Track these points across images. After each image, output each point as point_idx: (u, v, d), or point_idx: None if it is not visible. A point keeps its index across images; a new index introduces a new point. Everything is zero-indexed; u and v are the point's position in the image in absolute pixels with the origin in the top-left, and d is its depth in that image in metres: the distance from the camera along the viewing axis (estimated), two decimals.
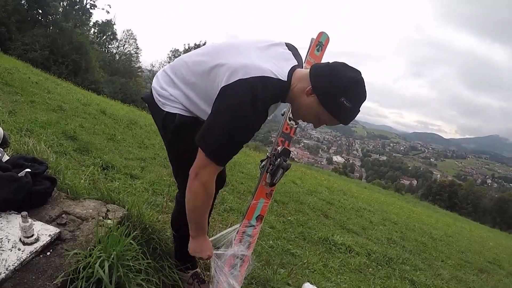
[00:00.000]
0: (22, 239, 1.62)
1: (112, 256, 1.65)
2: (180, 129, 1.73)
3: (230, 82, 1.50)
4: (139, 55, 50.10)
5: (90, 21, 42.64)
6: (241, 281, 2.13)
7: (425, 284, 4.20)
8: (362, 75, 1.53)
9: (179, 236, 2.07)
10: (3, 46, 24.03)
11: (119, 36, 48.00)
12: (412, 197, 35.36)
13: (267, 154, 2.34)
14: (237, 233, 2.24)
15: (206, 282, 2.22)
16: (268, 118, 1.63)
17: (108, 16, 44.27)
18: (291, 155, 2.29)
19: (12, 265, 1.50)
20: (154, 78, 1.86)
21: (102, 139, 5.67)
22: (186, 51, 42.54)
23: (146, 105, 1.88)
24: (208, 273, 2.35)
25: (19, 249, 1.59)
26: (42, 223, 1.79)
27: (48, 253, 1.65)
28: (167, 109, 1.72)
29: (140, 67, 50.36)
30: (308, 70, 1.57)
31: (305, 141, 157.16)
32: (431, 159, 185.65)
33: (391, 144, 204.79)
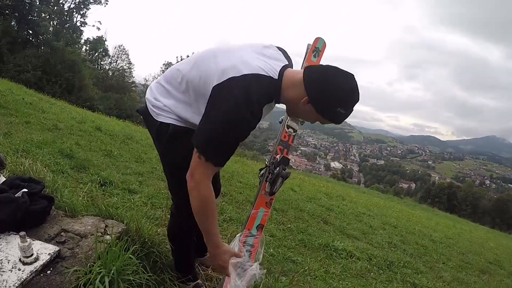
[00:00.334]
0: (22, 259, 1.63)
1: (112, 272, 1.66)
2: (174, 140, 1.74)
3: (222, 81, 1.52)
4: (132, 70, 50.08)
5: (81, 38, 42.83)
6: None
7: (427, 287, 4.20)
8: (355, 78, 1.57)
9: (177, 248, 2.07)
10: None
11: (111, 52, 48.03)
12: (411, 200, 35.32)
13: (266, 162, 2.34)
14: (237, 243, 2.23)
15: None
16: (262, 119, 1.63)
17: (99, 33, 44.18)
18: (289, 163, 2.29)
19: (13, 286, 1.51)
20: (148, 89, 1.87)
21: (98, 155, 5.66)
22: None
23: (142, 118, 1.89)
24: (208, 283, 2.35)
25: (19, 269, 1.60)
26: (41, 242, 1.79)
27: (49, 272, 1.66)
28: (161, 119, 1.73)
29: (133, 82, 50.35)
30: (302, 73, 1.59)
31: (302, 148, 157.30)
32: (428, 162, 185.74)
33: (388, 148, 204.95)
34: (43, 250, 1.71)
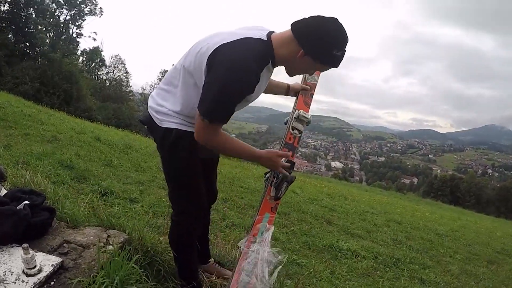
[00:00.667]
0: (25, 270, 1.62)
1: (116, 281, 1.65)
2: (177, 144, 1.76)
3: (213, 50, 1.59)
4: (129, 79, 50.34)
5: (77, 49, 43.13)
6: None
7: (435, 282, 4.17)
8: (339, 21, 1.64)
9: (179, 256, 2.06)
10: None
11: (107, 62, 48.27)
12: (414, 195, 35.32)
13: None
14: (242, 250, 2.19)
15: None
16: (264, 86, 1.77)
17: (95, 43, 44.36)
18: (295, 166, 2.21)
19: None
20: (149, 98, 1.90)
21: (98, 165, 5.65)
22: None
23: (145, 127, 1.91)
24: None
25: (22, 281, 1.59)
26: (44, 253, 1.79)
27: (52, 283, 1.65)
28: (165, 125, 1.76)
29: (131, 91, 50.43)
30: (289, 31, 1.66)
31: (302, 150, 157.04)
32: (429, 156, 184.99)
33: (388, 145, 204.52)
34: (46, 262, 1.71)
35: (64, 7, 39.85)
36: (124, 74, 49.86)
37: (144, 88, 48.65)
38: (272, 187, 2.15)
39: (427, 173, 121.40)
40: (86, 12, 41.40)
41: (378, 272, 3.99)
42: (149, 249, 2.10)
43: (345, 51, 1.65)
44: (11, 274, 1.62)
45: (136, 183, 5.05)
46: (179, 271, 2.13)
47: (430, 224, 8.66)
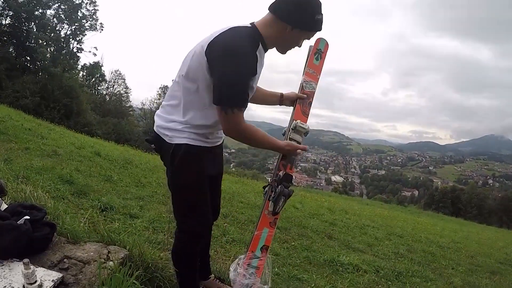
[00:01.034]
0: (26, 286, 1.62)
1: None
2: (187, 160, 1.79)
3: (207, 46, 1.68)
4: (129, 94, 50.43)
5: (78, 64, 43.31)
6: None
7: None
8: None
9: (181, 272, 2.05)
10: None
11: (107, 77, 48.41)
12: (415, 207, 35.15)
13: (269, 179, 2.28)
14: (240, 266, 2.16)
15: None
16: (260, 68, 1.82)
17: (95, 59, 44.54)
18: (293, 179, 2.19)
19: None
20: (155, 117, 1.93)
21: (98, 181, 5.65)
22: None
23: (153, 146, 1.93)
24: None
25: None
26: (44, 269, 1.78)
27: None
28: (175, 141, 1.78)
29: (131, 106, 50.56)
30: (268, 14, 1.80)
31: (302, 164, 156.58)
32: (429, 168, 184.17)
33: (388, 158, 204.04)
34: (47, 277, 1.71)
35: (65, 22, 40.19)
36: (124, 89, 50.05)
37: (144, 103, 48.97)
38: (270, 201, 2.13)
39: (428, 185, 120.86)
40: (87, 27, 41.72)
41: (380, 286, 3.95)
42: (149, 265, 2.09)
43: (322, 11, 1.79)
44: None
45: (136, 199, 5.04)
46: (180, 287, 2.12)
47: (432, 236, 8.61)
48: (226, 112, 1.67)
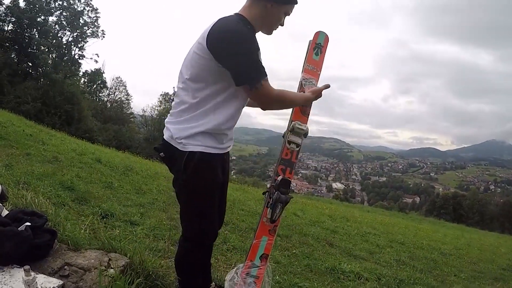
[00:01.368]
0: None
1: None
2: (200, 168, 1.79)
3: (206, 39, 1.73)
4: (130, 101, 50.56)
5: (79, 71, 43.54)
6: None
7: None
8: None
9: (184, 280, 2.04)
10: None
11: (109, 84, 48.57)
12: (417, 214, 35.02)
13: (268, 185, 2.23)
14: (238, 275, 2.13)
15: None
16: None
17: (96, 65, 44.69)
18: (291, 185, 2.14)
19: None
20: (166, 125, 1.93)
21: (99, 187, 5.64)
22: None
23: (162, 153, 1.91)
24: None
25: None
26: (45, 275, 1.78)
27: None
28: (189, 148, 1.79)
29: (132, 113, 50.66)
30: (246, 1, 1.91)
31: (302, 171, 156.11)
32: (431, 174, 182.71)
33: (389, 164, 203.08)
34: (47, 284, 1.70)
35: (67, 29, 40.55)
36: (125, 96, 50.19)
37: (145, 110, 48.95)
38: (268, 208, 2.09)
39: (429, 191, 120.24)
40: (88, 34, 42.05)
41: None
42: (150, 273, 2.09)
43: None
44: None
45: (137, 206, 5.03)
46: None
47: (434, 243, 8.56)
48: (256, 87, 1.76)
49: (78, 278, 1.84)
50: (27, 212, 2.19)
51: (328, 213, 10.55)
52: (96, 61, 44.88)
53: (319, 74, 2.30)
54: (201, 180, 1.82)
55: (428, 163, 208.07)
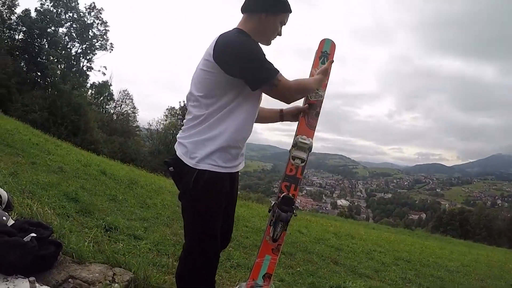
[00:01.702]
0: None
1: None
2: (210, 185, 1.80)
3: (213, 53, 1.78)
4: (136, 114, 50.84)
5: (87, 82, 44.17)
6: None
7: None
8: None
9: None
10: (3, 107, 24.66)
11: (115, 97, 48.98)
12: (423, 231, 34.60)
13: (272, 202, 2.16)
14: None
15: None
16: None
17: (104, 78, 45.19)
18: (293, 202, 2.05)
19: None
20: (178, 139, 1.94)
21: (103, 200, 5.63)
22: (182, 108, 43.30)
23: (172, 168, 1.90)
24: None
25: None
26: (48, 287, 1.76)
27: None
28: (200, 166, 1.79)
29: (137, 126, 50.87)
30: (243, 15, 1.97)
31: (307, 188, 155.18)
32: (437, 190, 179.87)
33: (395, 181, 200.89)
34: None
35: (76, 40, 41.25)
36: (132, 109, 50.50)
37: (150, 124, 49.13)
38: (271, 226, 2.06)
39: (435, 207, 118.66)
40: (97, 46, 42.72)
41: None
42: None
43: None
44: None
45: (141, 220, 5.00)
46: None
47: (440, 260, 8.46)
48: (274, 84, 1.81)
49: None
50: (33, 223, 2.20)
51: (333, 230, 10.47)
52: (104, 74, 45.42)
53: (326, 83, 2.27)
54: (209, 197, 1.83)
55: (434, 179, 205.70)
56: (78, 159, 9.77)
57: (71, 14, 40.57)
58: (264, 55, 1.83)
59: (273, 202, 2.11)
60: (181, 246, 2.01)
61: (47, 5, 38.91)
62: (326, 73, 2.20)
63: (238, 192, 2.19)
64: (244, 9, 1.97)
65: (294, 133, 2.24)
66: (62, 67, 39.25)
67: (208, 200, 1.83)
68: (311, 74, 2.27)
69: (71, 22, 40.67)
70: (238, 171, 2.02)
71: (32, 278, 1.60)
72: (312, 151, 2.19)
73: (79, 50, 42.09)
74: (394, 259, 7.19)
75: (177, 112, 46.36)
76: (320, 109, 2.24)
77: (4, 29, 36.75)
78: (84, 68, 43.06)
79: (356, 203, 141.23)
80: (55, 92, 34.60)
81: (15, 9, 37.24)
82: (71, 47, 41.54)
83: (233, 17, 2.04)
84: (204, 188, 1.79)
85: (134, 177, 9.54)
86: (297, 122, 2.24)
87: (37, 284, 1.61)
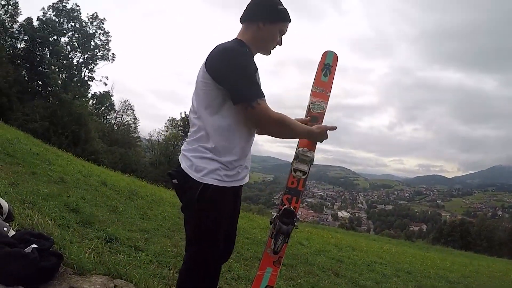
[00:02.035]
0: None
1: None
2: (215, 199, 1.79)
3: (206, 63, 1.80)
4: (137, 125, 50.86)
5: (88, 92, 44.34)
6: None
7: None
8: None
9: None
10: (4, 116, 24.67)
11: (116, 107, 49.00)
12: (424, 242, 34.45)
13: (273, 214, 2.16)
14: None
15: None
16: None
17: (105, 88, 45.36)
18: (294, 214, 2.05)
19: None
20: (182, 152, 1.93)
21: (104, 211, 5.61)
22: (183, 119, 43.33)
23: (176, 180, 1.89)
24: None
25: None
26: None
27: None
28: (206, 181, 1.78)
29: (138, 137, 50.86)
30: (241, 26, 1.98)
31: (308, 200, 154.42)
32: (437, 201, 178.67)
33: (395, 192, 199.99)
34: None
35: (78, 50, 41.47)
36: (133, 120, 50.52)
37: (151, 134, 49.09)
38: (272, 239, 2.05)
39: (436, 219, 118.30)
40: (99, 56, 42.95)
41: None
42: None
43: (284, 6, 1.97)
44: None
45: (141, 231, 4.98)
46: None
47: (441, 271, 8.42)
48: (252, 105, 1.74)
49: None
50: (34, 234, 2.20)
51: (334, 242, 10.42)
52: (105, 84, 45.64)
53: (329, 95, 2.25)
54: (213, 212, 1.82)
55: (435, 190, 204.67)
56: (78, 170, 9.76)
57: (73, 24, 40.91)
58: (255, 74, 1.83)
59: (274, 215, 2.10)
60: (182, 257, 2.00)
61: (50, 14, 39.42)
62: (322, 132, 2.05)
63: None
64: (242, 19, 1.98)
65: (295, 145, 2.23)
66: (64, 76, 39.44)
67: (212, 214, 1.82)
68: (313, 93, 2.26)
69: (73, 32, 40.97)
70: (242, 185, 2.00)
71: None
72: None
73: (81, 60, 42.34)
74: (395, 270, 7.16)
75: (178, 123, 46.38)
76: (322, 121, 2.22)
77: (6, 38, 37.07)
78: (86, 78, 43.29)
79: (357, 215, 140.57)
80: (56, 101, 34.71)
81: (17, 17, 37.78)
82: (73, 56, 41.82)
83: (236, 28, 2.03)
84: (209, 202, 1.79)
85: (134, 188, 9.53)
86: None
87: None
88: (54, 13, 39.47)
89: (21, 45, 38.36)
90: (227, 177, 1.81)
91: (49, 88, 37.64)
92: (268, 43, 2.00)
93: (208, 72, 1.77)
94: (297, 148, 2.16)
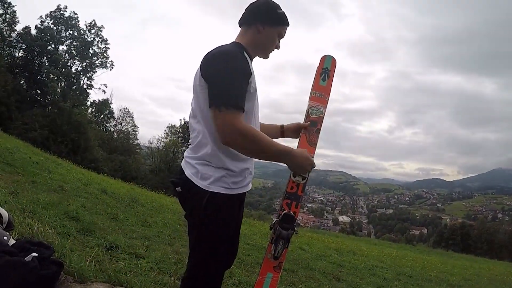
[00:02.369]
0: None
1: None
2: (221, 208, 1.77)
3: (202, 62, 1.76)
4: (136, 132, 50.77)
5: (87, 100, 44.29)
6: None
7: None
8: None
9: None
10: (3, 125, 24.50)
11: (116, 115, 48.90)
12: (425, 246, 34.39)
13: (273, 220, 2.10)
14: None
15: None
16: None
17: (104, 96, 45.36)
18: (294, 220, 2.00)
19: None
20: (185, 158, 1.90)
21: (104, 218, 5.61)
22: (183, 126, 43.29)
23: (179, 188, 1.86)
24: None
25: None
26: None
27: None
28: (212, 189, 1.75)
29: (138, 144, 50.66)
30: (240, 29, 1.97)
31: (308, 205, 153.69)
32: (438, 205, 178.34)
33: (396, 196, 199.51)
34: None
35: (77, 58, 41.59)
36: (132, 127, 50.42)
37: (151, 142, 49.03)
38: (273, 244, 2.01)
39: (437, 222, 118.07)
40: (98, 64, 43.08)
41: None
42: None
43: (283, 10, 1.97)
44: None
45: (142, 238, 4.97)
46: None
47: (442, 275, 8.42)
48: (220, 110, 1.62)
49: None
50: (34, 242, 2.19)
51: (335, 246, 10.41)
52: (104, 92, 45.64)
53: (327, 100, 2.21)
54: (219, 220, 1.79)
55: (435, 194, 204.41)
56: (78, 178, 9.77)
57: (71, 32, 41.05)
58: (244, 80, 1.72)
59: (274, 220, 2.06)
60: (183, 264, 1.99)
61: (47, 23, 39.62)
62: (304, 158, 1.88)
63: None
64: (241, 22, 1.98)
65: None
66: (62, 85, 39.49)
67: (218, 222, 1.79)
68: (311, 98, 2.22)
69: (71, 40, 41.11)
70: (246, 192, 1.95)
71: None
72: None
73: (79, 68, 42.43)
74: (396, 274, 7.15)
75: (178, 130, 46.39)
76: (321, 125, 2.19)
77: (4, 47, 37.23)
78: (84, 86, 43.31)
79: (357, 219, 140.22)
80: (55, 110, 34.72)
81: (15, 26, 37.90)
82: (71, 65, 41.90)
83: (234, 35, 2.01)
84: (215, 210, 1.76)
85: (135, 195, 9.53)
86: (298, 138, 2.19)
87: None
88: (52, 21, 39.66)
89: (20, 54, 38.51)
90: (234, 184, 1.79)
91: (48, 97, 37.68)
92: (267, 47, 1.99)
93: (202, 74, 1.74)
94: None
